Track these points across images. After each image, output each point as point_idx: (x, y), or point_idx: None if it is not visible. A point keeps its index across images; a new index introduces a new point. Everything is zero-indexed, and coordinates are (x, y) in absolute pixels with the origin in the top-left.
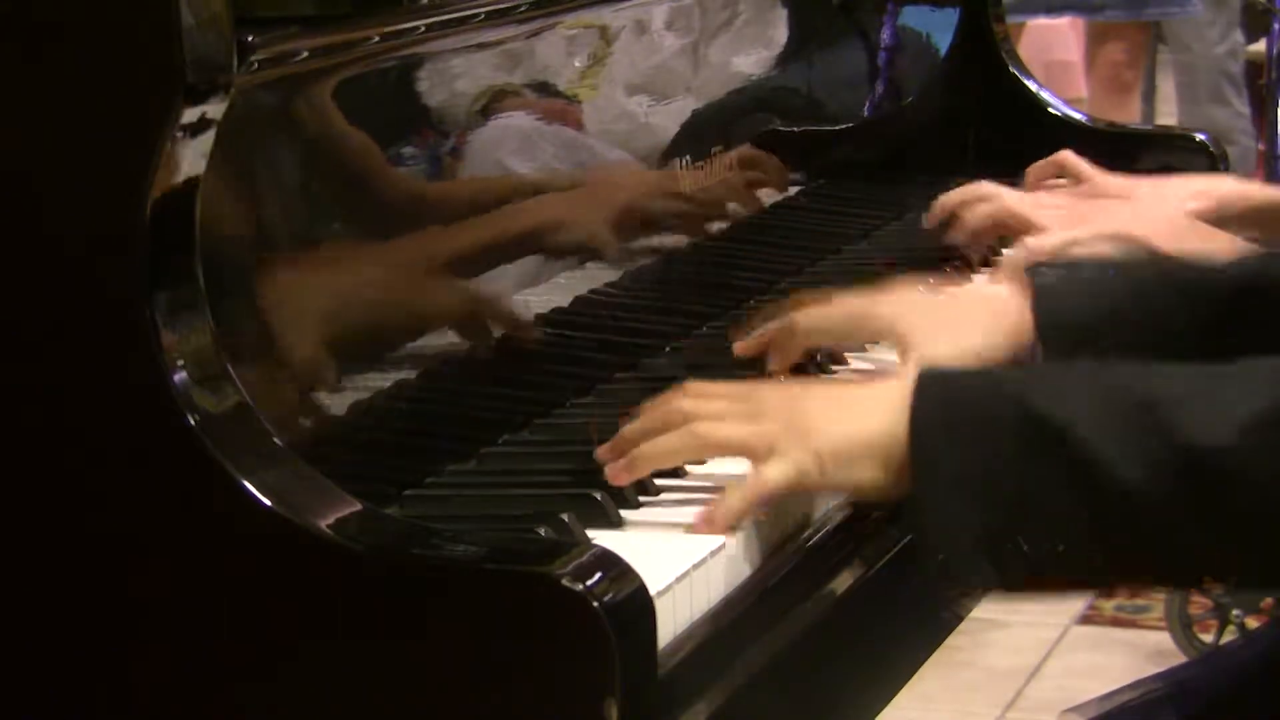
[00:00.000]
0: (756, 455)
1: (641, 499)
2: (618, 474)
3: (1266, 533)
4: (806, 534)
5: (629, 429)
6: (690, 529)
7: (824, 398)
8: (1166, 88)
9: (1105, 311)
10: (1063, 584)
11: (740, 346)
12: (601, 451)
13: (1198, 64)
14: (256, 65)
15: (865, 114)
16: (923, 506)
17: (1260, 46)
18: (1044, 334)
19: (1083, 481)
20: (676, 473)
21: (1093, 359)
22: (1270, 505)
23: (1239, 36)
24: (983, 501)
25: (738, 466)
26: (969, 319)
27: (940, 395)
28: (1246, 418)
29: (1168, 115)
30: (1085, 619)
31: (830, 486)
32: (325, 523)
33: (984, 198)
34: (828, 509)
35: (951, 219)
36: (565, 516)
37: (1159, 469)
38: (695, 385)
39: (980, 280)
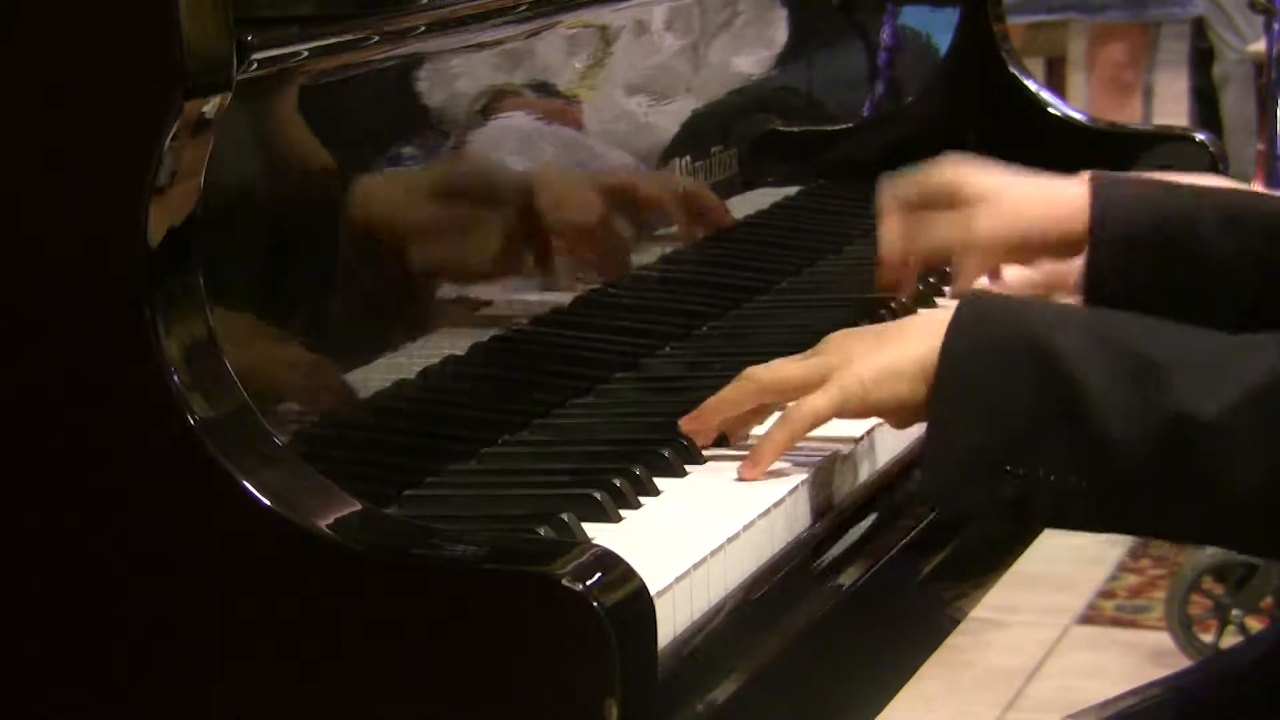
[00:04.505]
0: (810, 388)
1: (641, 499)
2: (687, 424)
3: (1239, 504)
4: (805, 535)
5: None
6: (739, 476)
7: (878, 330)
8: (1167, 88)
9: (1153, 226)
10: (1043, 520)
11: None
12: (682, 420)
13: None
14: (256, 65)
15: (865, 114)
16: (934, 418)
17: (1260, 46)
18: (1094, 237)
19: (1077, 427)
20: (676, 472)
21: (1135, 269)
22: (1246, 478)
23: None
24: (988, 423)
25: (736, 468)
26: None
27: (974, 321)
28: (1238, 392)
29: (1168, 115)
30: (1085, 619)
31: (871, 407)
32: (325, 523)
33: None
34: (825, 513)
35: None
36: (565, 516)
37: (1146, 430)
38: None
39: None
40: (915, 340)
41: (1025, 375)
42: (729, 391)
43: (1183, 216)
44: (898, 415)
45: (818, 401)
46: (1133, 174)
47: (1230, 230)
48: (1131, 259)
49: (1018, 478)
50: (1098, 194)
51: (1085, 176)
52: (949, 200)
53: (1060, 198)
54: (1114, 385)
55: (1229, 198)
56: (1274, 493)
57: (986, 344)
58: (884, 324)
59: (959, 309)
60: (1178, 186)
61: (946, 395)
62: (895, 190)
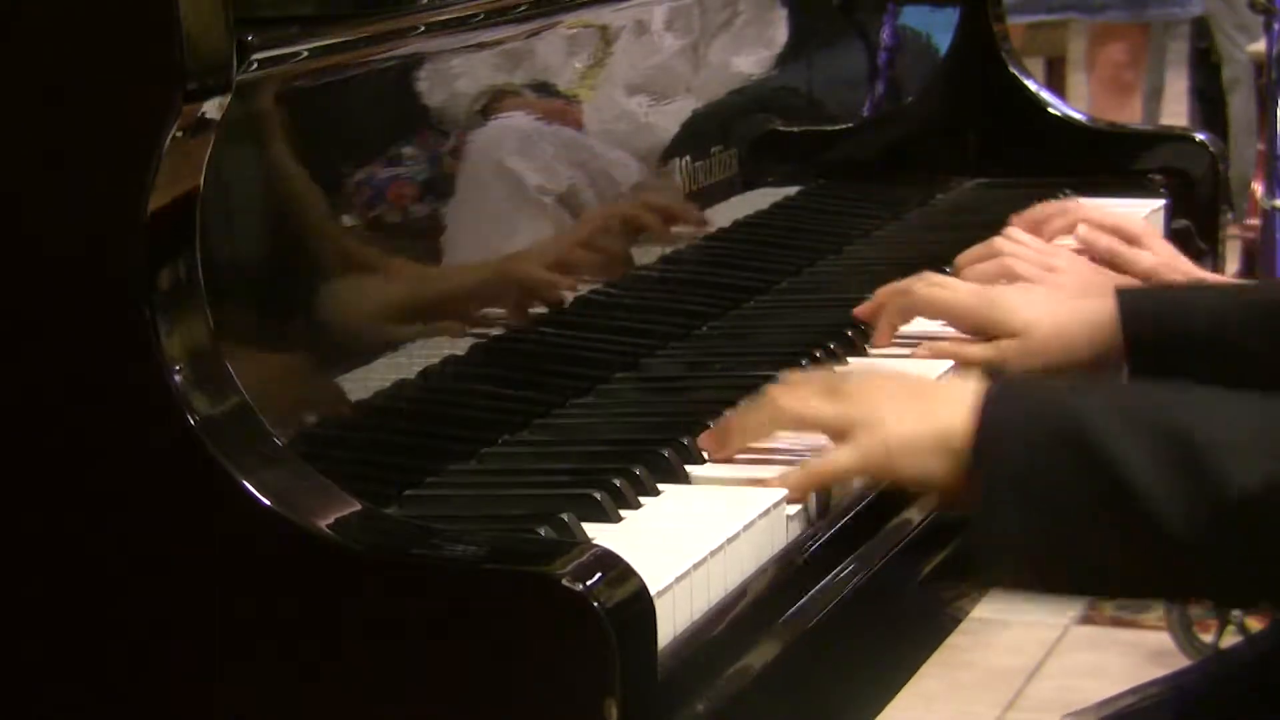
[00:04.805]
0: (832, 435)
1: (641, 499)
2: (708, 442)
3: None
4: (806, 535)
5: (730, 413)
6: (750, 482)
7: (903, 388)
8: (1168, 88)
9: (1187, 332)
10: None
11: (858, 310)
12: (702, 435)
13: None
14: (256, 65)
15: (865, 114)
16: (979, 503)
17: (1260, 46)
18: (1131, 353)
19: (1125, 512)
20: (676, 472)
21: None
22: None
23: None
24: (1036, 517)
25: (738, 470)
26: (1069, 331)
27: (1010, 404)
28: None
29: (1169, 115)
30: (1085, 619)
31: (894, 475)
32: (325, 523)
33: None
34: (825, 513)
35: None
36: (565, 516)
37: (1195, 511)
38: (792, 374)
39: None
40: (942, 412)
41: (1070, 469)
42: (752, 418)
43: (1213, 315)
44: (917, 487)
45: (841, 460)
46: (1157, 284)
47: (1260, 323)
48: (1171, 366)
49: (1072, 570)
50: (1126, 310)
51: (1110, 289)
52: (980, 328)
53: (1088, 324)
54: (1160, 473)
55: (1257, 291)
56: None
57: (1025, 429)
58: (913, 379)
59: (988, 397)
60: (1202, 286)
61: (990, 487)
62: (925, 305)
